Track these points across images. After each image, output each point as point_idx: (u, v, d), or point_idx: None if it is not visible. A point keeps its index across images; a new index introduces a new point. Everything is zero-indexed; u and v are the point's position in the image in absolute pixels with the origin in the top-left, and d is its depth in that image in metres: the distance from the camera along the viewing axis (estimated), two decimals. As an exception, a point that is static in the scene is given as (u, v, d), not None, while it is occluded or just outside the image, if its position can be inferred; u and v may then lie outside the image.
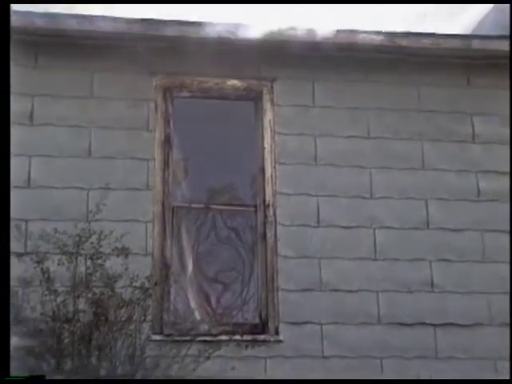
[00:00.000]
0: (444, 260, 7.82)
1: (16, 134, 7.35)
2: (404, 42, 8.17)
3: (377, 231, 7.88)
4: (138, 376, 6.49)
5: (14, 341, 6.25)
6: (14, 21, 7.41)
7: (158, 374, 6.65)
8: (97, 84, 7.80)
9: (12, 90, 7.20)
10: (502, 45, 8.27)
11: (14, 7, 6.76)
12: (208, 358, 6.88)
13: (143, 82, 7.85)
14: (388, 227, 7.89)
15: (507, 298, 7.73)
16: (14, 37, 7.28)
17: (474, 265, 7.87)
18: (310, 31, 7.97)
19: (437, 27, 8.76)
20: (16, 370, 6.22)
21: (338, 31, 8.05)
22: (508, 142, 8.15)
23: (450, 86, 8.36)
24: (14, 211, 6.98)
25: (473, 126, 8.25)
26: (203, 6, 8.13)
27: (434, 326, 7.61)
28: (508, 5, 8.80)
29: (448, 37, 8.42)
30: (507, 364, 7.49)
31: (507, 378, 7.24)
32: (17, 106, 7.47)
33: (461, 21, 9.67)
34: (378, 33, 8.19)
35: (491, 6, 9.29)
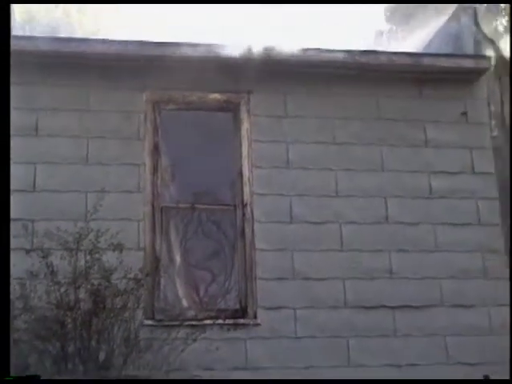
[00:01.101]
0: (401, 250, 7.92)
1: (23, 144, 7.50)
2: (363, 59, 8.30)
3: (342, 226, 7.96)
4: (133, 357, 6.55)
5: (24, 326, 6.35)
6: (22, 45, 7.56)
7: (150, 356, 6.70)
8: (93, 99, 7.86)
9: (19, 105, 7.40)
10: (449, 62, 8.47)
11: (22, 32, 6.84)
12: (195, 340, 6.91)
13: (134, 96, 7.91)
14: (352, 222, 7.98)
15: (455, 281, 7.88)
16: (21, 58, 7.43)
17: (427, 254, 7.99)
18: (282, 50, 8.06)
19: (392, 45, 8.88)
20: (25, 351, 6.34)
21: (306, 49, 8.17)
22: (453, 145, 8.31)
23: (404, 97, 8.47)
24: (22, 212, 7.16)
25: (425, 132, 8.36)
26: (191, 26, 8.18)
27: (393, 308, 7.72)
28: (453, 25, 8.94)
29: (401, 54, 8.56)
30: (455, 339, 7.64)
31: (507, 377, 7.28)
32: (23, 119, 7.60)
33: (413, 39, 9.80)
34: (341, 51, 8.30)
35: (441, 24, 9.38)
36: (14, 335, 6.40)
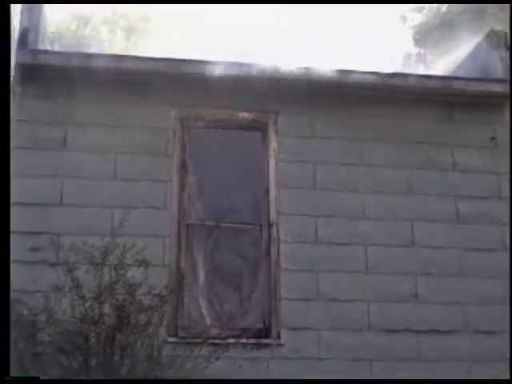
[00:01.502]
0: (427, 274, 7.85)
1: (51, 158, 7.53)
2: (393, 81, 8.28)
3: (368, 248, 7.91)
4: (155, 373, 6.51)
5: (47, 339, 6.34)
6: (53, 59, 7.62)
7: (172, 373, 6.66)
8: (122, 114, 7.88)
9: (49, 119, 7.42)
10: (479, 86, 8.44)
11: (53, 48, 6.88)
12: (217, 358, 6.87)
13: (163, 113, 7.92)
14: (378, 244, 7.93)
15: (479, 307, 7.80)
16: (51, 73, 7.48)
17: (453, 279, 7.91)
18: (311, 70, 8.07)
19: (420, 68, 8.86)
20: (48, 366, 6.32)
21: (335, 70, 8.16)
22: (480, 170, 8.25)
23: (433, 121, 8.43)
24: (48, 226, 7.20)
25: (453, 156, 8.31)
26: (219, 47, 8.20)
27: (418, 332, 7.64)
28: (485, 50, 8.89)
29: (431, 77, 8.56)
30: (479, 365, 7.55)
31: (507, 377, 7.23)
32: (52, 133, 7.63)
33: (441, 63, 9.77)
34: (370, 73, 8.29)
35: (470, 49, 9.34)
36: (37, 348, 6.42)
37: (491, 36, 9.03)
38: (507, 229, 8.14)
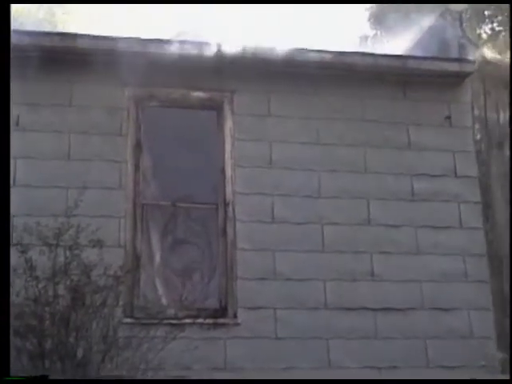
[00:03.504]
0: (383, 252, 7.89)
1: (3, 138, 7.37)
2: (348, 60, 8.29)
3: (324, 227, 7.92)
4: (111, 354, 6.47)
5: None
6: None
7: (128, 353, 6.62)
8: (75, 94, 7.78)
9: (-1, 99, 7.27)
10: (434, 65, 8.48)
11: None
12: (174, 338, 6.83)
13: (117, 92, 7.84)
14: (334, 223, 7.95)
15: (435, 284, 7.86)
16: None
17: (409, 257, 7.96)
18: (267, 49, 8.04)
19: (377, 49, 8.87)
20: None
21: (291, 49, 8.13)
22: (436, 149, 8.30)
23: (389, 99, 8.45)
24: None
25: (409, 134, 8.35)
26: (176, 21, 8.11)
27: (374, 310, 7.68)
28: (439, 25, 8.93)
29: (386, 56, 8.55)
30: (435, 342, 7.62)
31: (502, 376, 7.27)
32: (4, 113, 7.47)
33: (397, 43, 9.80)
34: (326, 52, 8.28)
35: (425, 29, 9.37)
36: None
37: (446, 15, 9.07)
38: (463, 206, 8.22)
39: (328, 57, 8.20)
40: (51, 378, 5.97)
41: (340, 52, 8.41)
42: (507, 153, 9.13)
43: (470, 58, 8.68)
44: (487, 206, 8.46)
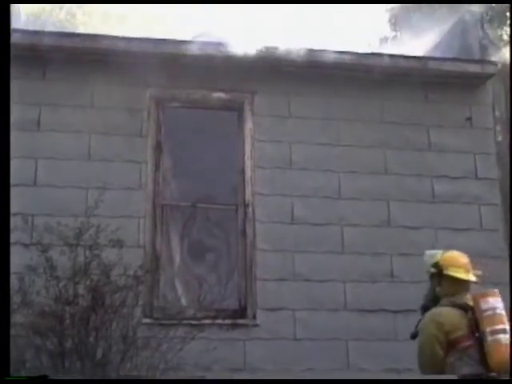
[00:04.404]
0: (402, 254, 7.86)
1: (24, 138, 7.44)
2: (369, 61, 8.25)
3: (344, 228, 7.91)
4: (130, 354, 6.48)
5: (21, 321, 6.26)
6: (25, 39, 7.49)
7: (147, 354, 6.62)
8: (97, 95, 7.80)
9: (21, 99, 7.32)
10: (455, 66, 8.43)
11: (25, 26, 6.79)
12: (193, 338, 6.81)
13: (138, 93, 7.86)
14: (354, 225, 7.93)
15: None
16: (24, 53, 7.37)
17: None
18: (288, 50, 8.02)
19: (397, 50, 8.82)
20: (23, 347, 6.25)
21: (312, 50, 8.11)
22: (456, 150, 8.25)
23: (409, 101, 8.42)
24: (22, 207, 7.08)
25: (429, 136, 8.31)
26: (195, 24, 8.11)
27: (394, 312, 7.66)
28: (459, 29, 8.88)
29: (407, 57, 8.51)
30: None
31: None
32: (25, 113, 7.53)
33: (418, 44, 9.76)
34: (347, 53, 8.26)
35: (446, 30, 9.32)
36: (11, 330, 6.34)
37: (467, 17, 9.02)
38: (483, 208, 8.18)
39: (348, 58, 8.19)
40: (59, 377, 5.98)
41: (360, 53, 8.40)
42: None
43: (492, 59, 8.64)
44: (507, 208, 8.39)
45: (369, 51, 8.37)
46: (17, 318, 6.30)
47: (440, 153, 8.31)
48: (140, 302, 6.87)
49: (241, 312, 7.60)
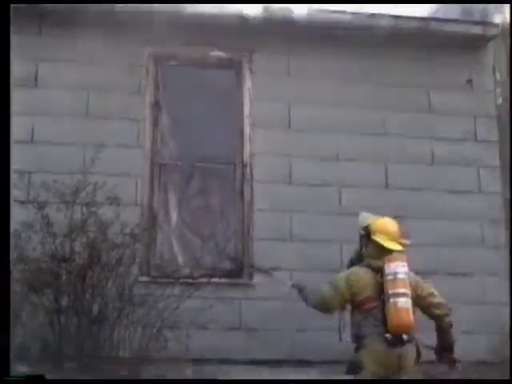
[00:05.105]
0: (401, 216, 7.73)
1: (22, 95, 7.37)
2: (370, 22, 8.15)
3: (342, 189, 7.90)
4: (126, 312, 6.50)
5: (17, 277, 6.28)
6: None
7: (144, 311, 6.64)
8: (95, 51, 7.72)
9: (19, 55, 7.26)
10: (457, 27, 8.48)
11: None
12: (189, 297, 6.85)
13: (137, 50, 7.82)
14: (352, 186, 7.92)
15: (454, 250, 7.85)
16: (23, 9, 7.30)
17: (427, 221, 7.93)
18: (287, 9, 7.94)
19: (398, 11, 8.71)
20: (19, 302, 6.26)
21: (312, 10, 8.02)
22: (457, 112, 8.26)
23: (410, 62, 8.36)
24: (18, 164, 7.04)
25: (429, 97, 8.29)
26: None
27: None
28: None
29: (409, 18, 8.40)
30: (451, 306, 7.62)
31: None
32: (23, 69, 7.48)
33: (420, 6, 9.68)
34: (348, 13, 8.17)
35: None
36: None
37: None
38: (483, 171, 8.17)
39: (348, 18, 8.09)
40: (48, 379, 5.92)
41: (361, 14, 8.28)
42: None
43: (494, 21, 8.57)
44: (506, 170, 8.36)
45: (370, 12, 8.23)
46: (13, 274, 6.32)
47: (440, 115, 8.27)
48: (137, 260, 6.90)
49: (237, 271, 7.62)
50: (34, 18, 7.63)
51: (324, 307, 6.27)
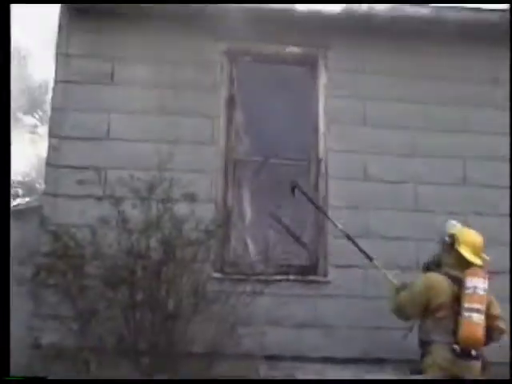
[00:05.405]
0: (478, 213, 7.69)
1: (98, 92, 7.49)
2: (445, 14, 7.93)
3: (418, 186, 7.80)
4: (200, 308, 6.51)
5: (94, 273, 6.35)
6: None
7: (217, 307, 6.64)
8: (170, 49, 7.77)
9: (96, 53, 7.46)
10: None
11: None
12: (262, 293, 6.84)
13: (211, 47, 7.82)
14: (428, 183, 7.81)
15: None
16: (101, 7, 7.39)
17: (504, 218, 7.77)
18: (361, 5, 7.84)
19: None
20: (94, 298, 6.33)
21: (386, 6, 7.89)
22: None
23: (489, 58, 8.16)
24: (94, 160, 7.19)
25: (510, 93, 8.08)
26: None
27: (466, 271, 7.49)
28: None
29: (482, 11, 8.15)
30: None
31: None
32: (100, 67, 7.61)
33: None
34: (426, 7, 7.98)
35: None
36: (84, 281, 6.44)
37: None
38: None
39: (426, 12, 7.89)
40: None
41: (435, 6, 8.07)
42: None
43: None
44: None
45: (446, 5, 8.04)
46: (89, 269, 6.40)
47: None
48: (211, 257, 6.91)
49: (312, 268, 7.58)
50: (111, 16, 7.69)
51: (401, 312, 6.39)
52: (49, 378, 5.89)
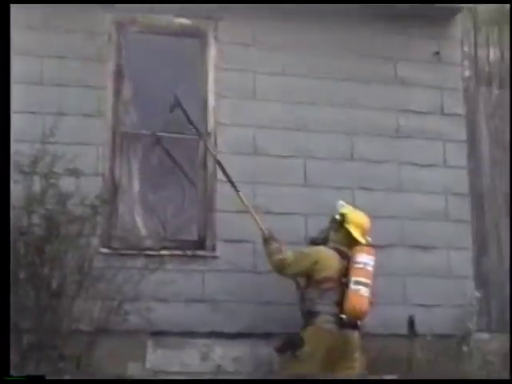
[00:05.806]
0: (365, 188, 7.79)
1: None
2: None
3: (307, 161, 7.80)
4: (86, 284, 6.38)
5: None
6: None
7: (104, 284, 6.52)
8: (55, 16, 7.48)
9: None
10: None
11: None
12: (152, 271, 6.76)
13: (98, 16, 7.58)
14: (317, 158, 7.82)
15: (418, 223, 7.84)
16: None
17: (392, 193, 7.90)
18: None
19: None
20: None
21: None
22: (423, 85, 8.18)
23: (376, 33, 8.20)
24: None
25: (396, 69, 8.20)
26: None
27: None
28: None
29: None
30: (413, 280, 7.62)
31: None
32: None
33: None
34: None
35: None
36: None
37: None
38: (448, 145, 8.12)
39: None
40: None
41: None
42: (495, 91, 8.95)
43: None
44: (472, 145, 8.34)
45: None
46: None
47: (406, 87, 8.17)
48: (98, 232, 6.76)
49: (200, 243, 7.50)
50: None
51: (281, 268, 6.73)
52: (49, 378, 5.71)
